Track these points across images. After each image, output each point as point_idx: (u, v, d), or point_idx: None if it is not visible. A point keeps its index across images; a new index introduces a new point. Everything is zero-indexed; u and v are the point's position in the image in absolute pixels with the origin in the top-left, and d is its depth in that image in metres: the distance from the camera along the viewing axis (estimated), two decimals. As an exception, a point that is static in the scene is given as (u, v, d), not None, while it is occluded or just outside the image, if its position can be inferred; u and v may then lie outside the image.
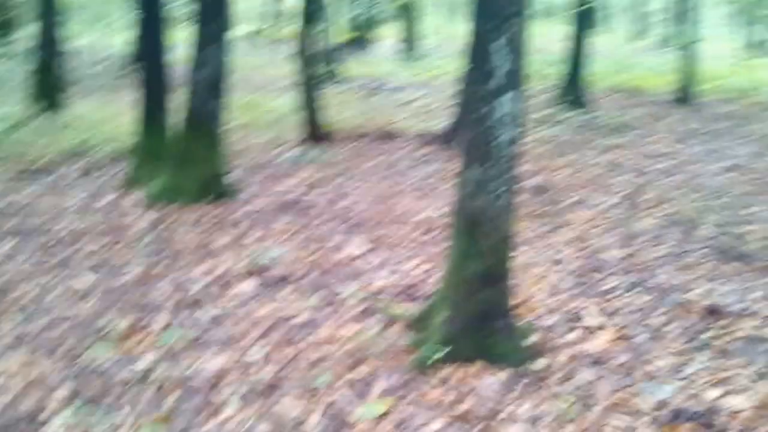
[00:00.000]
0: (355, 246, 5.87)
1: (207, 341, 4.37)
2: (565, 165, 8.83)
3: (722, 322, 4.58)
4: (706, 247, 6.00)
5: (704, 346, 4.33)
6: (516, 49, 3.86)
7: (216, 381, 3.94)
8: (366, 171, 8.26)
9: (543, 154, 9.40)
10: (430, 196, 7.36)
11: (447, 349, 3.95)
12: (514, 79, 3.88)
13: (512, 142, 3.97)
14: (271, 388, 3.88)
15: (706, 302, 4.86)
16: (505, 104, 3.89)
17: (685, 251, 5.91)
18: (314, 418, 3.60)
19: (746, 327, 4.52)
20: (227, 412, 3.67)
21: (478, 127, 3.95)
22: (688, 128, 11.24)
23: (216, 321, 4.63)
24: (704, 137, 10.56)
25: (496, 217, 3.99)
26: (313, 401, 3.74)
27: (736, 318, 4.63)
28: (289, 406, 3.71)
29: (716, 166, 8.79)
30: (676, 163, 8.98)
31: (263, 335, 4.46)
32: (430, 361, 3.95)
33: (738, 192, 7.60)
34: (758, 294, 4.99)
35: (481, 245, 4.00)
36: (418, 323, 4.39)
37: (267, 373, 4.02)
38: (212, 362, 4.12)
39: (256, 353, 4.24)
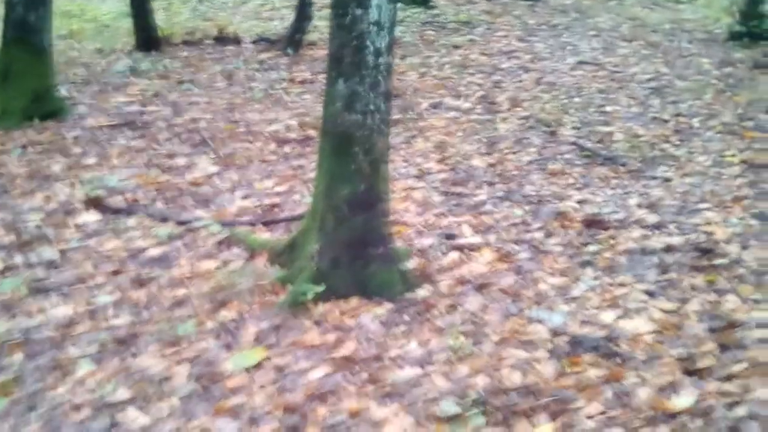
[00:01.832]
0: (203, 166, 5.31)
1: (48, 287, 3.78)
2: (413, 67, 8.47)
3: (604, 234, 4.44)
4: (570, 151, 5.87)
5: (589, 263, 4.17)
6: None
7: (63, 335, 3.39)
8: (205, 81, 7.56)
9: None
10: (277, 106, 6.82)
11: (320, 286, 3.55)
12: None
13: (385, 50, 3.53)
14: (128, 340, 3.37)
15: (584, 213, 4.69)
16: (374, 8, 3.43)
17: (550, 156, 5.74)
18: (181, 375, 3.14)
19: (629, 238, 4.40)
20: (79, 373, 3.15)
21: (344, 35, 3.47)
22: (533, 23, 11.11)
23: (56, 262, 4.02)
24: (549, 32, 10.47)
25: (370, 134, 3.57)
26: (178, 354, 3.27)
27: (618, 228, 4.50)
28: (150, 361, 3.22)
29: (566, 63, 8.70)
30: (525, 61, 8.82)
31: (112, 275, 3.91)
32: (301, 301, 3.54)
33: (592, 90, 7.53)
34: (635, 201, 4.89)
35: (354, 166, 3.58)
36: (283, 256, 3.96)
37: (121, 322, 3.51)
38: (57, 312, 3.56)
39: (106, 298, 3.69)
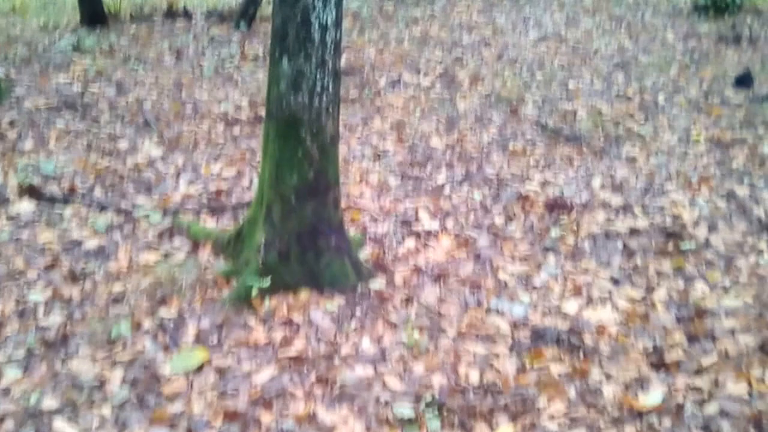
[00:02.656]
0: (147, 150, 5.06)
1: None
2: (371, 42, 8.24)
3: (567, 218, 4.29)
4: (533, 129, 5.70)
5: (552, 248, 4.02)
6: None
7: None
8: (153, 58, 7.26)
9: (343, 31, 8.72)
10: (227, 85, 6.56)
11: (266, 280, 3.35)
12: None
13: (333, 25, 3.32)
14: (58, 342, 3.15)
15: (546, 195, 4.54)
16: (320, -22, 3.23)
17: (511, 136, 5.57)
18: (115, 380, 2.94)
19: (593, 221, 4.25)
20: (4, 381, 2.93)
21: (287, 9, 3.25)
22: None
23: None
24: (511, 4, 10.29)
25: (317, 117, 3.36)
26: (111, 357, 3.06)
27: (581, 212, 4.35)
28: (81, 366, 3.01)
29: (527, 38, 8.53)
30: (486, 36, 8.63)
31: (47, 269, 3.69)
32: (247, 296, 3.35)
33: (554, 66, 7.36)
34: (599, 182, 4.74)
35: (301, 151, 3.38)
36: (229, 247, 3.76)
37: (52, 322, 3.29)
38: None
39: (37, 296, 3.46)
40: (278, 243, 3.44)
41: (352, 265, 3.58)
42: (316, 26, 3.25)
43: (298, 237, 3.46)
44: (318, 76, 3.31)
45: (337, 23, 3.34)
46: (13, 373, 2.97)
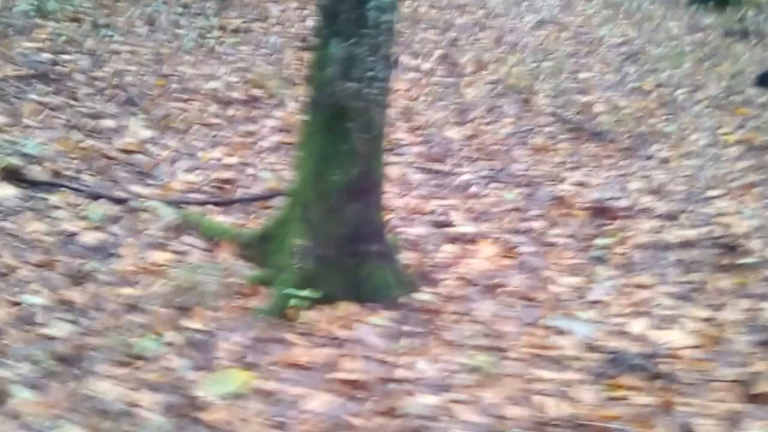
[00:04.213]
0: (134, 130, 4.72)
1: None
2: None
3: (613, 225, 4.12)
4: (550, 123, 5.53)
5: (600, 259, 3.84)
6: None
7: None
8: (120, 26, 6.85)
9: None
10: (211, 59, 6.22)
11: (308, 291, 3.09)
12: None
13: (390, 6, 3.07)
14: (70, 357, 2.83)
15: (585, 198, 4.36)
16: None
17: (530, 129, 5.39)
18: (147, 403, 2.64)
19: (640, 230, 4.08)
20: (17, 398, 2.60)
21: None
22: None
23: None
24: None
25: (367, 106, 3.11)
26: (136, 377, 2.76)
27: (626, 217, 4.18)
28: (104, 386, 2.70)
29: (526, 21, 8.35)
30: (479, 17, 8.43)
31: (39, 268, 3.34)
32: (283, 308, 3.08)
33: (560, 53, 7.20)
34: (637, 185, 4.58)
35: (347, 145, 3.12)
36: (252, 248, 3.48)
37: (58, 332, 2.96)
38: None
39: (33, 298, 3.13)
40: (318, 248, 3.19)
41: (395, 274, 3.34)
42: (372, 7, 2.99)
43: (338, 242, 3.21)
44: (370, 62, 3.06)
45: (394, 5, 3.09)
46: (22, 394, 2.64)
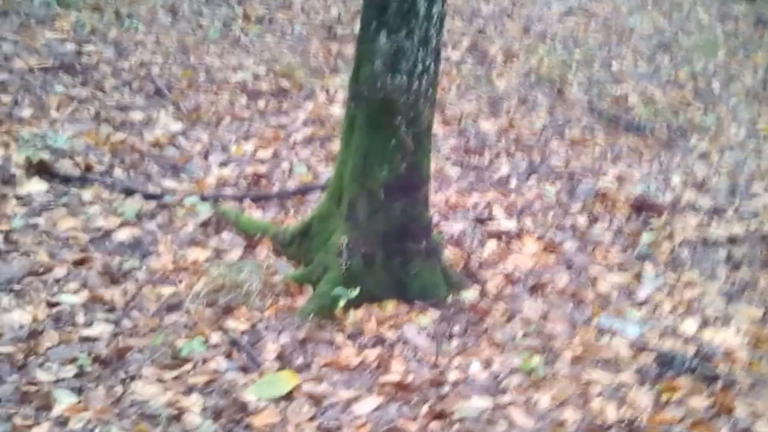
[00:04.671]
0: (164, 123, 4.66)
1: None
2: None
3: (657, 221, 4.04)
4: (587, 114, 5.45)
5: (647, 255, 3.77)
6: None
7: (27, 351, 2.78)
8: (143, 15, 6.78)
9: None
10: (236, 49, 6.14)
11: (354, 290, 3.03)
12: None
13: (437, -1, 3.00)
14: (113, 359, 2.79)
15: (627, 192, 4.28)
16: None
17: (566, 120, 5.31)
18: (195, 407, 2.60)
19: (686, 225, 4.01)
20: (62, 403, 2.57)
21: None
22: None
23: (2, 245, 3.37)
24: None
25: (417, 100, 3.05)
26: (183, 380, 2.72)
27: (670, 213, 4.10)
28: (150, 390, 2.66)
29: (553, 10, 8.23)
30: (505, 5, 8.32)
31: (75, 266, 3.30)
32: (330, 308, 3.03)
33: (591, 43, 7.09)
34: (679, 179, 4.50)
35: (396, 139, 3.06)
36: (292, 246, 3.42)
37: (98, 332, 2.92)
38: (12, 319, 2.93)
39: (71, 298, 3.09)
40: (363, 246, 3.13)
41: (441, 272, 3.28)
42: (423, -2, 2.93)
43: (384, 239, 3.15)
44: (420, 55, 2.99)
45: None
46: (66, 399, 2.60)
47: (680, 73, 6.39)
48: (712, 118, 5.50)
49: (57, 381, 2.69)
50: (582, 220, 4.02)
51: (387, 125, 3.05)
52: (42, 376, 2.69)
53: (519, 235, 3.82)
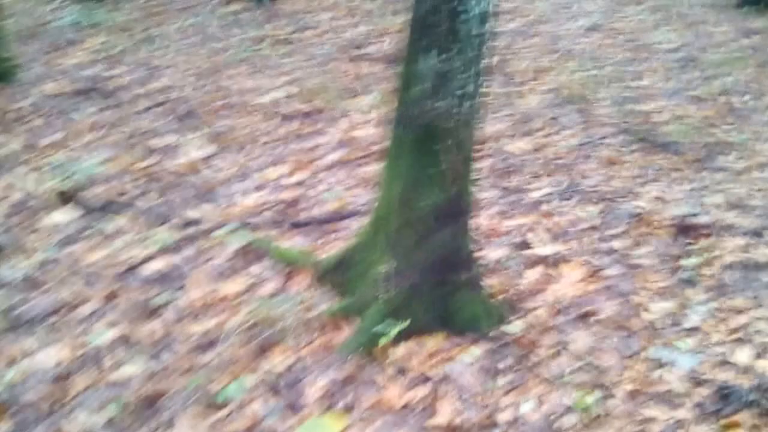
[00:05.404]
0: (195, 147, 4.50)
1: (25, 318, 2.98)
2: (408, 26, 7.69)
3: (700, 243, 3.84)
4: (616, 134, 5.23)
5: (691, 281, 3.56)
6: None
7: (61, 393, 2.61)
8: (172, 36, 6.65)
9: (372, 12, 8.12)
10: (266, 70, 5.99)
11: (398, 325, 2.84)
12: None
13: (485, 18, 2.80)
14: (151, 401, 2.62)
15: (664, 214, 4.08)
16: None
17: (598, 139, 5.10)
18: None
19: (730, 248, 3.80)
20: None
21: (434, -4, 2.74)
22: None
23: (30, 279, 3.21)
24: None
25: (463, 125, 2.86)
26: (225, 424, 2.54)
27: (714, 235, 3.89)
28: (182, 434, 2.48)
29: (575, 26, 8.05)
30: (530, 22, 8.15)
31: (107, 299, 3.12)
32: (372, 345, 2.84)
33: (618, 60, 6.89)
34: (715, 199, 4.29)
35: (443, 166, 2.87)
36: (331, 276, 3.23)
37: (133, 372, 2.75)
38: (46, 357, 2.76)
39: (105, 334, 2.92)
40: (408, 276, 2.94)
41: (483, 304, 3.09)
42: (474, 16, 2.74)
43: (426, 270, 2.96)
44: (466, 78, 2.80)
45: (487, 15, 2.83)
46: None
47: (710, 89, 6.17)
48: (743, 136, 5.28)
49: (95, 428, 2.51)
50: (620, 244, 3.82)
51: (429, 152, 2.88)
52: (79, 418, 2.52)
53: (560, 261, 3.62)
